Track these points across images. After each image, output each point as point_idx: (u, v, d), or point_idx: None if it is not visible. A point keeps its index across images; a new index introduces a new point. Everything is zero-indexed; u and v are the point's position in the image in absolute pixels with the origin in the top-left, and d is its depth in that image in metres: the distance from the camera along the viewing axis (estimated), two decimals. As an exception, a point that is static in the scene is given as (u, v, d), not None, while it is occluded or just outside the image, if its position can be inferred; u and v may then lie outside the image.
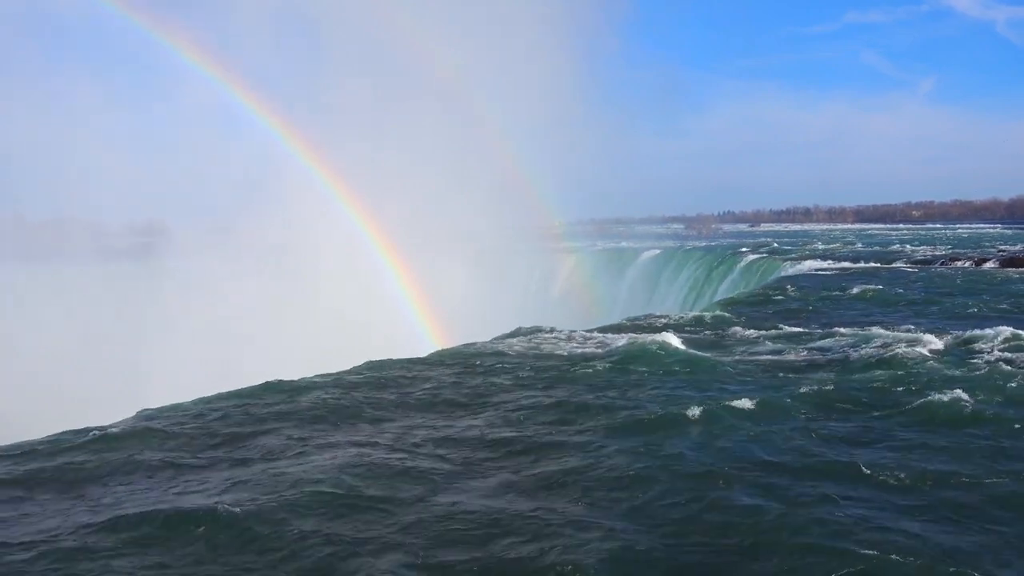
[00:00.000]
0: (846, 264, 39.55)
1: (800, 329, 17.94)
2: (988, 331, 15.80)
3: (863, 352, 14.69)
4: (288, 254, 43.09)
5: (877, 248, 55.01)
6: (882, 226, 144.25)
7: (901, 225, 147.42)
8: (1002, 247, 46.05)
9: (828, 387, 12.19)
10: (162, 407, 11.95)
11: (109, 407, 14.39)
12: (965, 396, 11.25)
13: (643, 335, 16.42)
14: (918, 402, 11.17)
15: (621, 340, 16.55)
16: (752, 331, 17.99)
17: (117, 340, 38.89)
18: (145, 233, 43.08)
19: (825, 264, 40.01)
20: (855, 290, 26.12)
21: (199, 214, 44.36)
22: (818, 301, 24.09)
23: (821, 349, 15.57)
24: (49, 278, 41.74)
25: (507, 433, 10.26)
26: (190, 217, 44.23)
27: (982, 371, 12.75)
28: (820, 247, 57.86)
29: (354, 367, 14.74)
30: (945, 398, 11.19)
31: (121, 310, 40.29)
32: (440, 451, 9.58)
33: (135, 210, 43.68)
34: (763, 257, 47.14)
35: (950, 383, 11.88)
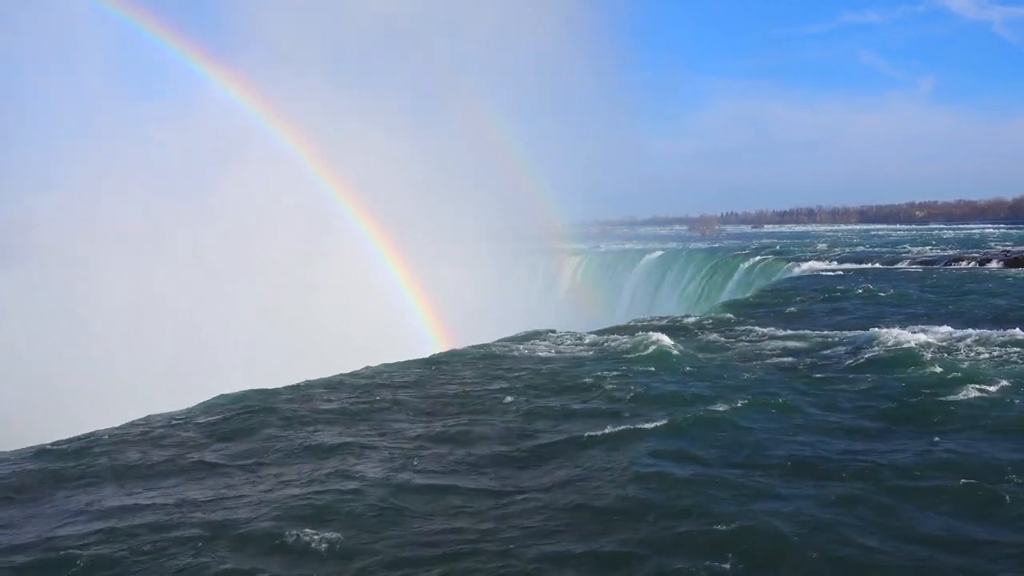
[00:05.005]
0: (849, 265, 39.48)
1: (803, 331, 17.91)
2: (992, 331, 15.80)
3: (866, 353, 14.66)
4: (290, 256, 43.06)
5: (881, 249, 54.87)
6: (886, 226, 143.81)
7: (905, 225, 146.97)
8: (1006, 247, 45.92)
9: (831, 388, 12.19)
10: (173, 411, 11.99)
11: (109, 410, 14.42)
12: (969, 396, 11.25)
13: (646, 337, 16.42)
14: (921, 403, 11.16)
15: (624, 342, 16.56)
16: (755, 333, 17.97)
17: (114, 341, 38.89)
18: (144, 232, 42.96)
19: (828, 265, 39.95)
20: (858, 291, 26.09)
21: (200, 213, 44.23)
22: (821, 303, 24.05)
23: (824, 350, 15.55)
24: (45, 278, 41.76)
25: (510, 436, 10.27)
26: (191, 217, 44.15)
27: (986, 371, 12.72)
28: (823, 248, 57.71)
29: (358, 369, 14.76)
30: (949, 399, 11.20)
31: (121, 309, 40.29)
32: (441, 453, 9.58)
33: (127, 210, 43.56)
34: (766, 258, 47.07)
35: (954, 384, 11.87)
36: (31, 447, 10.26)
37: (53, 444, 10.29)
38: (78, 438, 10.50)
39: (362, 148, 45.96)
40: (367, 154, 46.04)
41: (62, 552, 7.02)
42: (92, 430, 10.90)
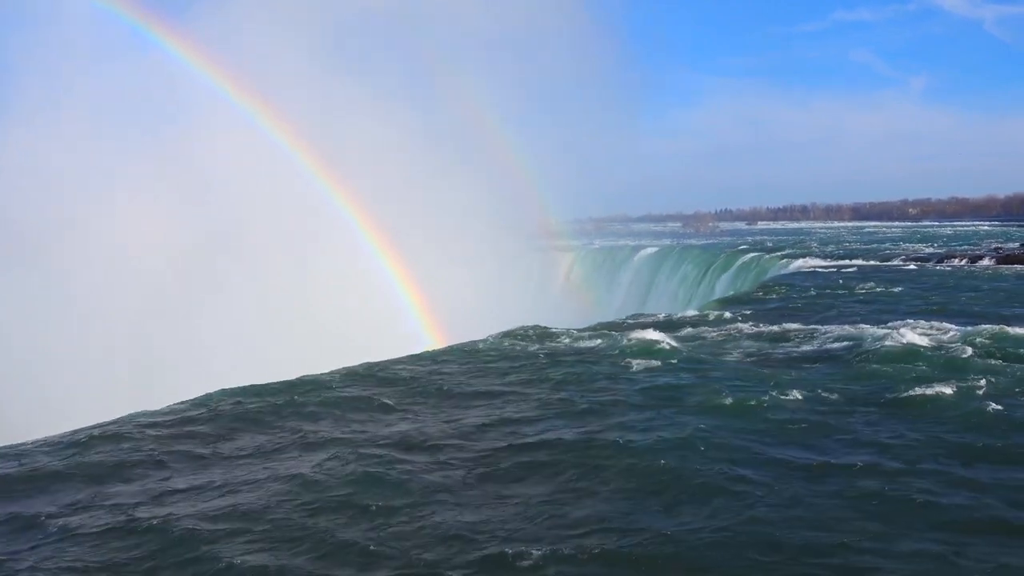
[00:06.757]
0: (842, 262, 39.66)
1: (795, 326, 18.02)
2: (982, 328, 15.90)
3: (857, 349, 14.79)
4: (285, 253, 43.08)
5: (874, 246, 55.11)
6: (879, 223, 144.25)
7: (898, 222, 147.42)
8: (998, 244, 46.17)
9: (821, 384, 12.28)
10: (167, 407, 12.05)
11: (109, 409, 14.44)
12: (958, 392, 11.35)
13: (638, 333, 16.52)
14: (910, 399, 11.26)
15: (616, 338, 16.65)
16: (747, 329, 18.08)
17: (113, 339, 38.93)
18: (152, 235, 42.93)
19: (822, 262, 40.13)
20: (851, 288, 26.24)
21: (197, 212, 44.14)
22: (814, 299, 24.18)
23: (816, 346, 15.67)
24: (45, 277, 41.68)
25: (501, 432, 10.35)
26: (188, 216, 44.05)
27: (976, 368, 12.85)
28: (817, 245, 57.98)
29: (353, 366, 14.82)
30: (938, 394, 11.29)
31: (121, 309, 40.32)
32: (432, 449, 9.65)
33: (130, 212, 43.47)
34: (759, 255, 47.25)
35: (943, 380, 11.97)
36: (25, 443, 10.32)
37: (48, 440, 10.35)
38: (71, 434, 10.55)
39: (359, 147, 46.01)
40: (363, 153, 46.10)
41: (55, 549, 7.09)
42: (85, 426, 10.95)
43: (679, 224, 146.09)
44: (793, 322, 18.86)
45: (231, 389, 12.81)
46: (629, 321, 20.73)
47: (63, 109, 46.75)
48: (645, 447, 9.33)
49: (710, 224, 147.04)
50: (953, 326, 16.72)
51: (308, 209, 44.68)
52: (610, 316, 28.83)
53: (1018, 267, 32.79)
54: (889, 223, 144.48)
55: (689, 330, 18.39)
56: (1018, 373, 12.49)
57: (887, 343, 14.78)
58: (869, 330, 16.39)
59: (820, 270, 35.67)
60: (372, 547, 6.95)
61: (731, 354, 15.22)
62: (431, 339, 32.11)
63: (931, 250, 45.76)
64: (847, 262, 39.36)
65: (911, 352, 14.13)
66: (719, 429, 10.02)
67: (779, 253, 47.56)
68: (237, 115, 45.61)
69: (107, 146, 46.47)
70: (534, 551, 6.75)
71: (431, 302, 41.73)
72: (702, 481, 8.25)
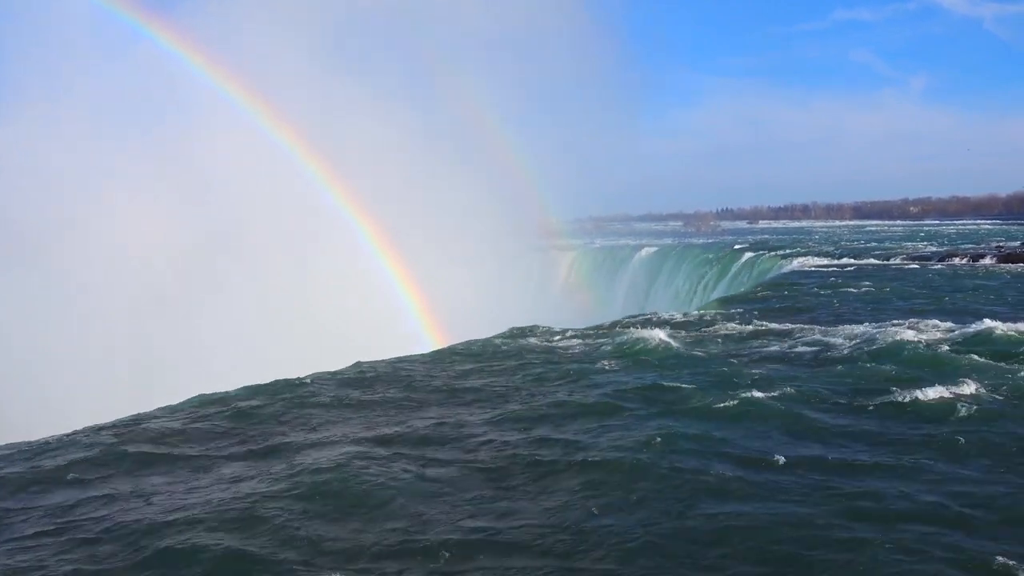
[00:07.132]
0: (843, 261, 39.63)
1: (795, 326, 17.98)
2: (983, 327, 15.85)
3: (857, 349, 14.75)
4: (285, 253, 43.09)
5: (874, 244, 55.07)
6: (880, 222, 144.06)
7: (899, 221, 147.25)
8: (999, 243, 46.11)
9: (821, 383, 12.25)
10: (165, 407, 12.03)
11: (109, 408, 14.45)
12: (959, 392, 11.32)
13: (638, 333, 16.48)
14: (910, 398, 11.22)
15: (616, 339, 16.62)
16: (747, 329, 18.03)
17: (112, 339, 38.97)
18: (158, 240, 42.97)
19: (822, 261, 40.10)
20: (851, 287, 26.20)
21: (196, 212, 44.15)
22: (814, 298, 24.14)
23: (816, 346, 15.62)
24: (45, 277, 41.69)
25: (499, 431, 10.32)
26: (187, 216, 44.07)
27: (976, 367, 12.82)
28: (818, 244, 57.95)
29: (351, 365, 14.81)
30: (939, 394, 11.26)
31: (120, 309, 40.35)
32: (431, 449, 9.63)
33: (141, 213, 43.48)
34: (761, 254, 47.23)
35: (944, 379, 11.94)
36: (22, 442, 10.31)
37: (44, 440, 10.34)
38: (68, 434, 10.54)
39: (359, 147, 46.07)
40: (363, 153, 46.15)
41: (47, 548, 7.07)
42: (83, 427, 10.94)
43: (680, 223, 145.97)
44: (793, 322, 18.81)
45: (236, 389, 12.81)
46: (629, 321, 20.69)
47: (63, 109, 46.76)
48: (603, 446, 9.32)
49: (711, 223, 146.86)
50: (955, 325, 16.67)
51: (308, 209, 44.69)
52: (611, 316, 28.81)
53: (1019, 266, 32.76)
54: (890, 222, 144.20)
55: (689, 331, 18.34)
56: (997, 371, 12.50)
57: (886, 343, 14.73)
58: (868, 329, 16.35)
59: (820, 270, 35.63)
60: (320, 542, 6.99)
61: (730, 355, 15.17)
62: (431, 339, 32.10)
63: (933, 249, 45.69)
64: (847, 261, 39.33)
65: (910, 352, 14.09)
66: (684, 428, 9.96)
67: (779, 252, 47.51)
68: (237, 115, 45.60)
69: (107, 146, 46.47)
70: (473, 545, 6.82)
71: (431, 302, 41.74)
72: (653, 480, 8.23)
